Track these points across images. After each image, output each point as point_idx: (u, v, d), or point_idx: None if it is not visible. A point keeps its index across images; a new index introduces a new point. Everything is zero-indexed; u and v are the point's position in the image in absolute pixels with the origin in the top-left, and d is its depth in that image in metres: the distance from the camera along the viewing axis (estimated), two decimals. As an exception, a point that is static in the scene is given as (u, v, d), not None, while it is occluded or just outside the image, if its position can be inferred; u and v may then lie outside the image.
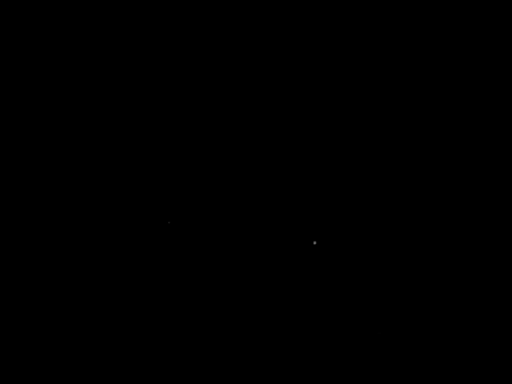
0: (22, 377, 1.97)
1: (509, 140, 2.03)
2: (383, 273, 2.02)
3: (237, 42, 2.07)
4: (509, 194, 2.02)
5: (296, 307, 2.02)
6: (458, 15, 2.05)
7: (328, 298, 2.02)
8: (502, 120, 2.04)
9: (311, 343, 2.00)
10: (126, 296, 2.01)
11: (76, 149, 2.06)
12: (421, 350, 1.98)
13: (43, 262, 2.02)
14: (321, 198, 2.05)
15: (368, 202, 2.04)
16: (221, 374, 1.99)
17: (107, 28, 2.07)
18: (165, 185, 2.05)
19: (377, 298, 2.01)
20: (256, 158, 2.06)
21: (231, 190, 2.06)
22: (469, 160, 2.04)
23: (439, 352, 1.98)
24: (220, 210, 2.05)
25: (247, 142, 2.06)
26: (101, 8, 2.06)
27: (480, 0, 2.03)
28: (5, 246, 2.01)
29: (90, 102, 2.07)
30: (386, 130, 2.05)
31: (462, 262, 2.01)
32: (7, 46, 2.06)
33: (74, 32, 2.07)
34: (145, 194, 2.05)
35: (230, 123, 2.06)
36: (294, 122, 2.07)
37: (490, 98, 2.05)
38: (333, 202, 2.05)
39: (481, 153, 2.04)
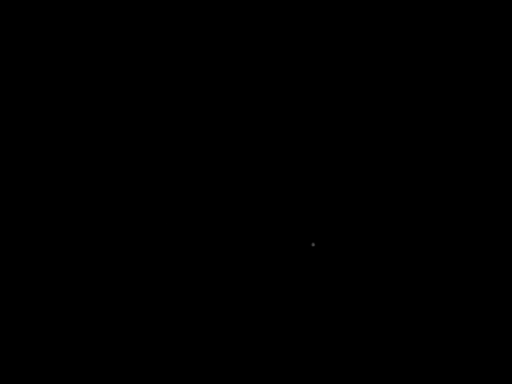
0: (22, 377, 1.97)
1: (509, 140, 2.04)
2: (382, 274, 2.02)
3: (237, 41, 2.07)
4: (509, 194, 2.02)
5: (294, 309, 2.02)
6: (457, 15, 2.06)
7: (327, 300, 2.01)
8: (502, 120, 2.04)
9: (310, 344, 2.00)
10: (125, 296, 2.01)
11: (76, 149, 2.06)
12: (420, 350, 1.98)
13: (43, 261, 2.02)
14: (319, 200, 2.05)
15: (367, 204, 2.05)
16: (220, 375, 1.99)
17: (107, 28, 2.07)
18: (164, 185, 2.06)
19: (376, 299, 2.01)
20: (254, 160, 2.06)
21: (229, 192, 2.06)
22: (469, 160, 2.05)
23: (439, 352, 1.98)
24: (218, 212, 2.05)
25: (245, 143, 2.07)
26: (101, 8, 2.07)
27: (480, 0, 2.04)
28: (5, 246, 2.02)
29: (90, 101, 2.07)
30: (384, 131, 2.06)
31: (462, 263, 2.02)
32: (7, 45, 2.06)
33: (73, 32, 2.07)
34: (145, 194, 2.05)
35: (228, 124, 2.07)
36: (291, 125, 2.07)
37: (490, 98, 2.05)
38: (331, 203, 2.05)
39: (481, 153, 2.04)
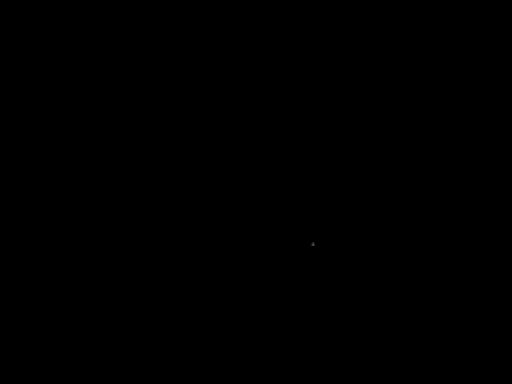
0: (22, 377, 1.97)
1: (509, 140, 2.04)
2: (382, 275, 2.02)
3: (236, 41, 2.07)
4: (509, 194, 2.02)
5: (294, 309, 2.02)
6: (457, 15, 2.06)
7: (326, 300, 2.01)
8: (502, 120, 2.04)
9: (308, 345, 2.00)
10: (125, 296, 2.01)
11: (75, 149, 2.06)
12: (420, 351, 1.99)
13: (43, 261, 2.02)
14: (319, 200, 2.05)
15: (366, 204, 2.05)
16: (219, 375, 1.99)
17: (107, 28, 2.07)
18: (163, 185, 2.06)
19: (375, 300, 2.01)
20: (254, 160, 2.06)
21: (228, 192, 2.06)
22: (468, 160, 2.05)
23: (439, 352, 1.98)
24: (217, 212, 2.05)
25: (243, 144, 2.07)
26: (100, 8, 2.07)
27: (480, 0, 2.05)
28: (4, 246, 2.01)
29: (90, 102, 2.07)
30: (383, 133, 2.06)
31: (462, 266, 2.02)
32: (7, 45, 2.06)
33: (73, 32, 2.07)
34: (144, 195, 2.05)
35: (226, 125, 2.07)
36: (291, 125, 2.07)
37: (490, 98, 2.05)
38: (331, 203, 2.05)
39: (481, 153, 2.04)
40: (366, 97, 2.07)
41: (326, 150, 2.07)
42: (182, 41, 2.09)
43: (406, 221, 2.04)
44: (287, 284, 2.03)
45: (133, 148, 2.07)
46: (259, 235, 2.04)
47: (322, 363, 2.00)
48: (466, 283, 2.01)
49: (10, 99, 2.07)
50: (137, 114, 2.08)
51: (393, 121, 2.07)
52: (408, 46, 2.07)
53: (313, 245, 2.03)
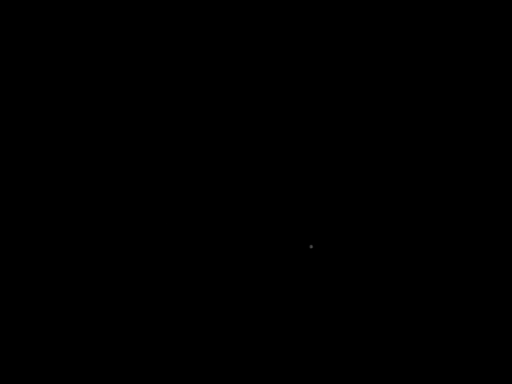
0: (22, 377, 1.97)
1: (509, 140, 2.03)
2: (381, 277, 2.02)
3: (236, 42, 2.07)
4: (509, 194, 2.02)
5: (292, 312, 2.02)
6: (457, 15, 2.06)
7: (325, 301, 2.01)
8: (502, 120, 2.04)
9: (307, 347, 2.00)
10: (124, 296, 2.02)
11: (75, 149, 2.06)
12: (420, 351, 1.99)
13: (43, 262, 2.02)
14: (317, 202, 2.05)
15: (365, 206, 2.05)
16: (220, 375, 1.99)
17: (107, 28, 2.07)
18: (161, 187, 2.06)
19: (374, 302, 2.01)
20: (252, 162, 2.06)
21: (227, 194, 2.06)
22: (468, 161, 2.05)
23: (439, 353, 1.98)
24: (215, 213, 2.05)
25: (244, 144, 2.07)
26: (100, 8, 2.07)
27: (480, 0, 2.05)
28: (5, 246, 2.02)
29: (90, 102, 2.07)
30: (381, 135, 2.06)
31: (462, 264, 2.02)
32: (7, 45, 2.06)
33: (73, 32, 2.07)
34: (143, 195, 2.05)
35: (227, 124, 2.07)
36: (287, 128, 2.08)
37: (490, 98, 2.05)
38: (329, 205, 2.05)
39: (481, 153, 2.04)
40: (366, 97, 2.08)
41: (324, 152, 2.07)
42: (182, 41, 2.09)
43: (404, 222, 2.04)
44: (286, 286, 2.03)
45: (133, 148, 2.07)
46: (257, 237, 2.05)
47: (320, 364, 2.00)
48: (466, 284, 2.01)
49: (10, 99, 2.07)
50: (137, 114, 2.08)
51: (392, 122, 2.07)
52: (408, 46, 2.07)
53: (311, 247, 2.02)
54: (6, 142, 2.06)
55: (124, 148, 2.07)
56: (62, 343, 2.00)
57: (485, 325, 1.99)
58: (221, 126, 2.08)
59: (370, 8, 2.07)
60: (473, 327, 1.99)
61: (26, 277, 2.02)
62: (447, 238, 2.03)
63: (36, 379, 1.98)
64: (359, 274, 2.02)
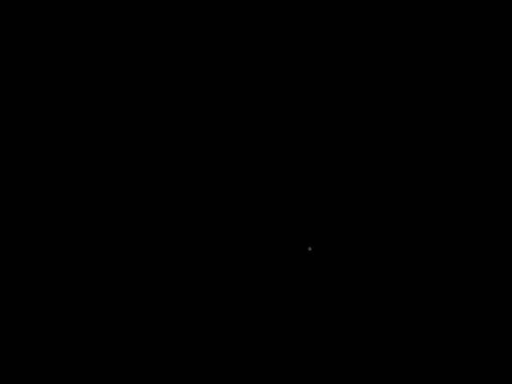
0: (22, 377, 1.97)
1: (509, 140, 2.03)
2: (379, 279, 2.02)
3: (236, 42, 2.07)
4: (509, 194, 2.02)
5: (291, 314, 2.01)
6: (457, 15, 2.06)
7: (323, 304, 2.01)
8: (502, 120, 2.04)
9: (305, 349, 1.99)
10: (124, 297, 2.01)
11: (75, 149, 2.06)
12: (419, 354, 1.98)
13: (43, 262, 2.02)
14: (316, 204, 2.05)
15: (364, 209, 2.04)
16: (219, 375, 1.99)
17: (107, 28, 2.07)
18: (159, 188, 2.06)
19: (372, 304, 2.01)
20: (250, 165, 2.06)
21: (225, 196, 2.06)
22: (468, 161, 2.04)
23: (439, 354, 1.98)
24: (214, 215, 2.05)
25: (241, 148, 2.07)
26: (101, 8, 2.07)
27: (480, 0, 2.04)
28: (5, 247, 2.02)
29: (90, 102, 2.07)
30: (380, 137, 2.06)
31: (462, 270, 2.02)
32: (7, 46, 2.06)
33: (73, 32, 2.07)
34: (143, 195, 2.05)
35: (226, 125, 2.07)
36: (286, 130, 2.07)
37: (490, 98, 2.05)
38: (328, 208, 2.05)
39: (481, 153, 2.04)
40: (366, 97, 2.07)
41: (323, 154, 2.07)
42: (182, 41, 2.09)
43: (403, 224, 2.04)
44: (284, 288, 2.03)
45: (133, 148, 2.07)
46: (256, 240, 2.04)
47: (318, 364, 1.99)
48: (465, 284, 2.01)
49: (10, 99, 2.07)
50: (137, 114, 2.08)
51: (391, 123, 2.06)
52: (408, 46, 2.07)
53: (309, 249, 2.02)
54: (5, 142, 2.05)
55: (124, 148, 2.07)
56: (61, 343, 2.00)
57: (484, 324, 1.99)
58: (220, 127, 2.07)
59: (370, 8, 2.07)
60: (472, 327, 1.99)
61: (26, 277, 2.02)
62: (447, 239, 2.03)
63: (36, 379, 1.98)
64: (358, 276, 2.02)
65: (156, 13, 2.08)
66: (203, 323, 2.01)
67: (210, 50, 2.08)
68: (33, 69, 2.07)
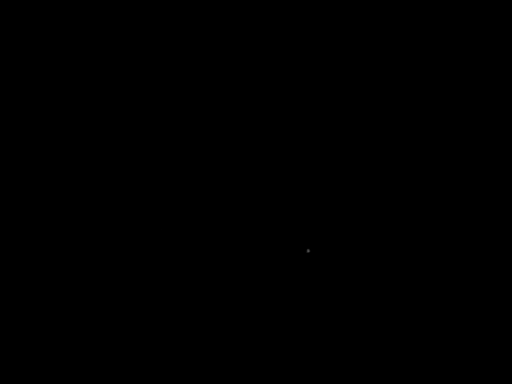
0: (22, 377, 1.97)
1: (509, 140, 2.02)
2: (378, 280, 2.01)
3: (236, 42, 2.06)
4: (509, 194, 2.01)
5: (289, 315, 2.01)
6: (457, 15, 2.04)
7: (321, 305, 2.01)
8: (502, 120, 2.02)
9: (304, 350, 1.99)
10: (124, 297, 2.02)
11: (75, 149, 2.05)
12: (418, 355, 1.99)
13: (43, 262, 2.02)
14: (314, 207, 2.04)
15: (362, 211, 2.03)
16: (219, 375, 2.00)
17: (107, 28, 2.06)
18: (159, 188, 2.05)
19: (371, 305, 2.01)
20: (250, 168, 2.05)
21: (225, 199, 2.05)
22: (468, 161, 2.03)
23: (439, 354, 1.98)
24: (213, 218, 2.04)
25: (240, 149, 2.05)
26: (101, 8, 2.06)
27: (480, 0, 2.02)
28: (5, 247, 2.01)
29: (90, 102, 2.06)
30: (378, 139, 2.04)
31: (462, 272, 2.01)
32: (7, 46, 2.05)
33: (73, 32, 2.06)
34: (143, 196, 2.05)
35: (222, 133, 2.06)
36: (286, 132, 2.06)
37: (490, 98, 2.03)
38: (326, 210, 2.04)
39: (481, 153, 2.03)
40: (365, 98, 2.05)
41: (321, 158, 2.05)
42: (182, 41, 2.07)
43: (399, 227, 2.03)
44: (283, 289, 2.02)
45: (133, 148, 2.06)
46: (255, 242, 2.04)
47: (315, 365, 2.00)
48: (465, 284, 2.00)
49: (10, 99, 2.05)
50: (137, 115, 2.06)
51: (391, 123, 2.05)
52: (408, 46, 2.05)
53: (308, 251, 2.02)
54: (5, 142, 2.04)
55: (124, 148, 2.06)
56: (61, 343, 2.00)
57: (484, 324, 1.98)
58: (220, 127, 2.06)
59: (370, 8, 2.04)
60: (472, 327, 1.98)
61: (26, 277, 2.01)
62: (446, 239, 2.02)
63: (36, 379, 1.97)
64: (356, 277, 2.01)
65: (156, 13, 2.06)
66: (203, 323, 2.00)
67: (210, 50, 2.06)
68: (33, 69, 2.05)
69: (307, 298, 2.01)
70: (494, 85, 2.03)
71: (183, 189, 2.05)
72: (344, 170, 2.04)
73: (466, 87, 2.03)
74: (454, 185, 2.02)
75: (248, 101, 2.05)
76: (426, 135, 2.04)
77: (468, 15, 2.00)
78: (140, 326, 2.00)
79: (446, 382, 1.95)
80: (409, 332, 1.98)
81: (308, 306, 2.01)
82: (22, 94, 2.05)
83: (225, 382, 1.97)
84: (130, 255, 2.03)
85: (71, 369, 1.97)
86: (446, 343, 1.97)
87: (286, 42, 2.05)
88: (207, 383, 1.97)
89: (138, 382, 1.96)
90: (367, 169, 2.04)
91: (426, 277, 2.00)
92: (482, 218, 2.01)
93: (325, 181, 2.04)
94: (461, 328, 1.98)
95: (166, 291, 2.02)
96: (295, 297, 2.02)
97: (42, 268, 2.01)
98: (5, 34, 2.03)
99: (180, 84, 2.06)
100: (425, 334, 1.98)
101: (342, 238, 2.02)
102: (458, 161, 2.03)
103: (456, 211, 2.02)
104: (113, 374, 1.97)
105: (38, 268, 2.01)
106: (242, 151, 2.04)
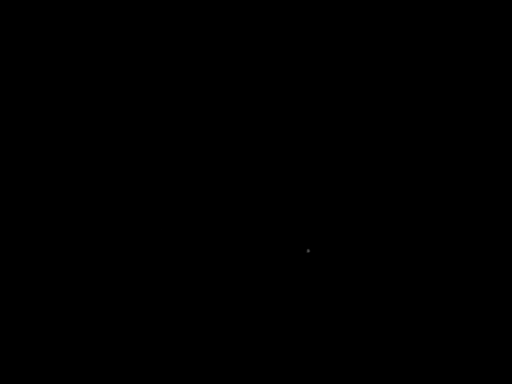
0: (22, 377, 1.96)
1: (509, 140, 2.01)
2: (377, 281, 2.01)
3: (236, 42, 2.04)
4: (509, 194, 2.00)
5: (289, 315, 2.01)
6: (457, 15, 2.03)
7: (321, 305, 2.01)
8: (502, 120, 2.02)
9: (303, 351, 1.99)
10: (124, 297, 2.01)
11: (75, 149, 2.05)
12: (418, 356, 1.97)
13: (43, 262, 2.01)
14: (314, 207, 2.03)
15: (361, 211, 2.03)
16: (219, 375, 1.98)
17: (107, 28, 2.05)
18: (159, 188, 2.04)
19: (370, 305, 2.00)
20: (249, 168, 2.05)
21: (225, 199, 2.04)
22: (468, 161, 2.02)
23: (439, 355, 1.97)
24: (213, 218, 2.04)
25: (240, 150, 2.04)
26: (101, 8, 2.04)
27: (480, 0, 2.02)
28: (5, 247, 2.00)
29: (90, 102, 2.05)
30: (379, 139, 2.04)
31: (462, 273, 2.00)
32: (7, 46, 2.04)
33: (73, 32, 2.05)
34: (143, 196, 2.04)
35: (221, 134, 2.05)
36: (286, 132, 2.05)
37: (490, 98, 2.02)
38: (326, 210, 2.03)
39: (480, 153, 2.02)
40: (365, 98, 2.05)
41: (321, 158, 2.04)
42: (182, 41, 2.08)
43: (398, 228, 2.02)
44: (283, 289, 2.02)
45: (133, 148, 2.05)
46: (255, 242, 2.03)
47: (316, 365, 1.99)
48: (466, 284, 2.00)
49: (10, 99, 2.05)
50: (137, 115, 2.06)
51: (390, 124, 2.04)
52: (408, 47, 2.05)
53: (308, 251, 2.00)
54: (5, 142, 2.04)
55: (124, 148, 2.05)
56: (61, 343, 2.00)
57: (484, 324, 1.98)
58: (220, 128, 2.05)
59: (370, 8, 2.04)
60: (472, 326, 1.98)
61: (26, 277, 2.01)
62: (446, 240, 2.01)
63: (36, 379, 1.97)
64: (356, 278, 2.01)
65: (156, 13, 2.06)
66: (203, 323, 2.01)
67: (210, 50, 2.06)
68: (33, 69, 2.06)
69: (307, 297, 2.00)
70: (494, 85, 2.02)
71: (183, 189, 2.04)
72: (344, 170, 2.03)
73: (465, 87, 2.02)
74: (454, 185, 2.02)
75: (248, 101, 2.04)
76: (426, 135, 2.03)
77: (468, 15, 2.00)
78: (140, 325, 2.01)
79: (446, 382, 1.93)
80: (409, 332, 1.97)
81: (308, 306, 2.00)
82: (22, 94, 2.07)
83: (225, 382, 1.96)
84: (130, 255, 2.04)
85: (71, 369, 1.98)
86: (446, 343, 1.97)
87: (286, 42, 2.04)
88: (207, 383, 1.95)
89: (138, 382, 1.95)
90: (367, 169, 2.03)
91: (426, 277, 2.00)
92: (482, 218, 2.00)
93: (325, 181, 2.04)
94: (461, 328, 1.98)
95: (166, 291, 2.02)
96: (295, 297, 2.01)
97: (42, 268, 2.03)
98: (5, 34, 2.03)
99: (180, 84, 2.07)
100: (425, 333, 1.98)
101: (341, 238, 2.01)
102: (458, 161, 2.02)
103: (456, 211, 2.01)
104: (113, 374, 1.98)
105: (38, 268, 2.03)
106: (242, 151, 2.04)
